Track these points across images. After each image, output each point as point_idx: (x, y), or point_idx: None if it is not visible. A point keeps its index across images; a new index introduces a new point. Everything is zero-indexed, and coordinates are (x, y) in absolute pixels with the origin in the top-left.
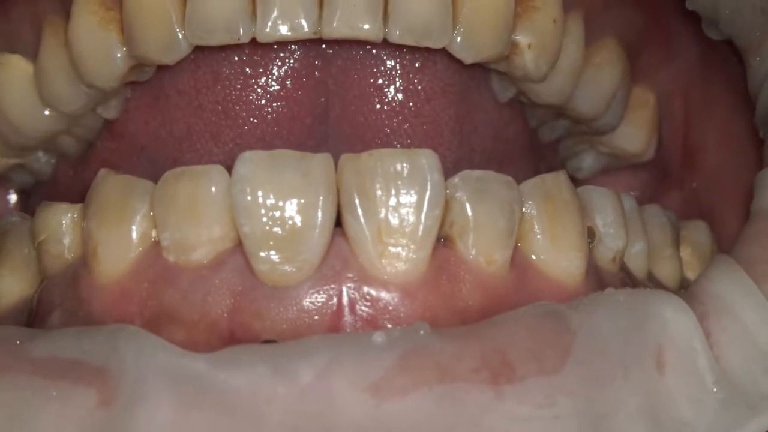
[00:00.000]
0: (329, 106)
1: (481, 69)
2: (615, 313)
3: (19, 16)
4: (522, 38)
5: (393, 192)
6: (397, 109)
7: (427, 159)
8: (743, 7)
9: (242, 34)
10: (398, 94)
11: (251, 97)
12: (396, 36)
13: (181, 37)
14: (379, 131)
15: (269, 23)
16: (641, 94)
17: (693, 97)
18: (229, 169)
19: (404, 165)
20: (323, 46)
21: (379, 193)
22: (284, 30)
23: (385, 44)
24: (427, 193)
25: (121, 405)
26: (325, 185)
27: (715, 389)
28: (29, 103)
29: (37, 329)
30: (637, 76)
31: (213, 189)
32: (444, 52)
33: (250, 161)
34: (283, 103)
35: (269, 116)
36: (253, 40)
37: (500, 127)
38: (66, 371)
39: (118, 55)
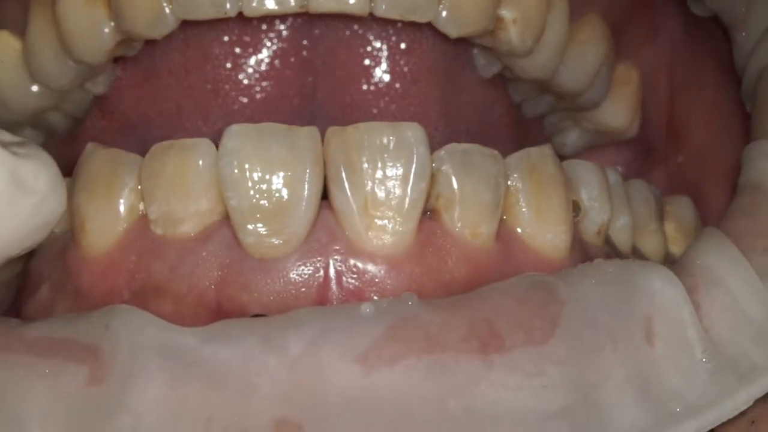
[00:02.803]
0: (317, 86)
1: (465, 49)
2: (603, 284)
3: None
4: (507, 13)
5: (379, 165)
6: (384, 90)
7: (413, 132)
8: None
9: (229, 9)
10: (385, 75)
11: (240, 77)
12: (382, 10)
13: (168, 11)
14: (366, 112)
15: None
16: (625, 71)
17: (678, 74)
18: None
19: (390, 138)
20: (311, 26)
21: (365, 166)
22: (271, 4)
23: (372, 25)
24: (413, 166)
25: (113, 382)
26: (311, 158)
27: (704, 360)
28: (18, 79)
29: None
30: (622, 53)
31: (200, 162)
32: (429, 34)
33: (237, 134)
34: (272, 82)
35: (258, 95)
36: (244, 20)
37: (485, 106)
38: (58, 350)
39: (106, 30)
